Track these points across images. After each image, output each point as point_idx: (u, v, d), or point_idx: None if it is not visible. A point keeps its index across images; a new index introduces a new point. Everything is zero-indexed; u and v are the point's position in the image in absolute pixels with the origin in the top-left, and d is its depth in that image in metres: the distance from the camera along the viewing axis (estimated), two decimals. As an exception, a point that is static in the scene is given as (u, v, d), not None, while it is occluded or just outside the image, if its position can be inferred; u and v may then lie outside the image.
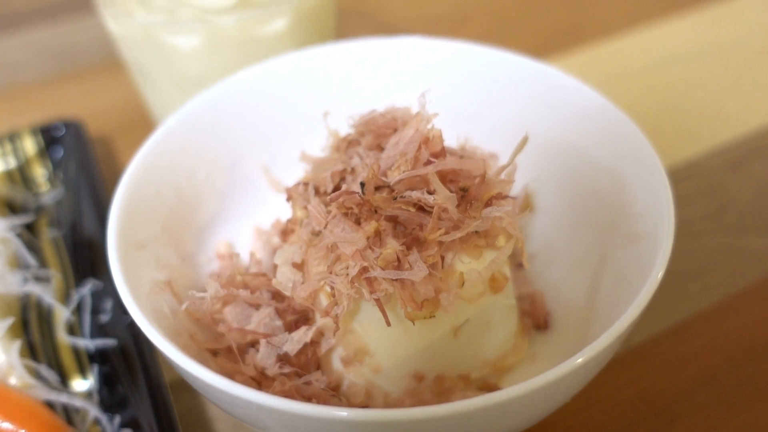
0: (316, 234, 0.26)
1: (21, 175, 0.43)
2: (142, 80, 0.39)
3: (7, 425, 0.27)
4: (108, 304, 0.34)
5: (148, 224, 0.28)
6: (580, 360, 0.22)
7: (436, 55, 0.34)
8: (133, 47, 0.37)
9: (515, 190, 0.32)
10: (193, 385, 0.24)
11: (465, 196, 0.25)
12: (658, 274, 0.24)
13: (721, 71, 0.50)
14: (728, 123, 0.46)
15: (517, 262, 0.32)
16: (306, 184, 0.27)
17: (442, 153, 0.25)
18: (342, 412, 0.20)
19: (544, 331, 0.30)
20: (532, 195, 0.33)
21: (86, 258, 0.36)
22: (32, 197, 0.42)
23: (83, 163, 0.42)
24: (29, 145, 0.44)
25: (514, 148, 0.26)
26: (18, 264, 0.35)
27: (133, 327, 0.31)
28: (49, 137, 0.44)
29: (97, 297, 0.34)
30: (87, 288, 0.34)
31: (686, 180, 0.42)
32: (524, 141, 0.26)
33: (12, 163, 0.43)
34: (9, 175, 0.43)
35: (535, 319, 0.30)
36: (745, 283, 0.36)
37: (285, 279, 0.25)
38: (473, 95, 0.33)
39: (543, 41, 0.53)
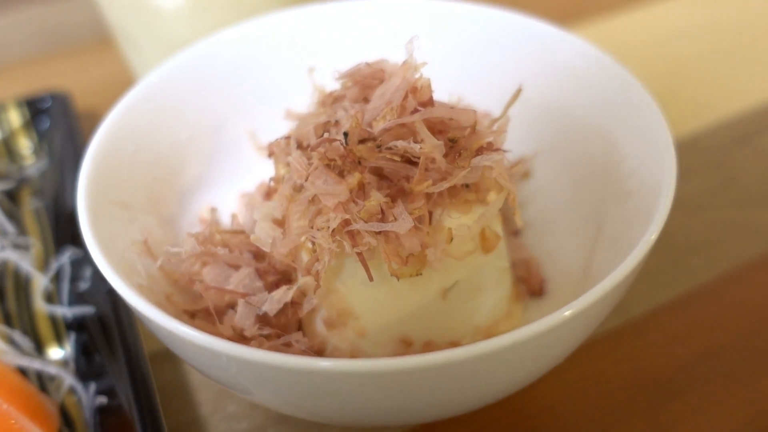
0: (298, 189, 0.24)
1: (5, 147, 0.42)
2: (128, 47, 0.38)
3: (-26, 390, 0.26)
4: (87, 273, 0.32)
5: (124, 183, 0.27)
6: (567, 313, 0.20)
7: (424, 14, 0.33)
8: (118, 11, 0.36)
9: (513, 154, 0.30)
10: (168, 344, 0.23)
11: (454, 147, 0.23)
12: (653, 232, 0.23)
13: (727, 47, 0.49)
14: (734, 97, 0.44)
15: (512, 229, 0.30)
16: (288, 138, 0.26)
17: (430, 102, 0.24)
18: (325, 363, 0.19)
19: (540, 297, 0.29)
20: (528, 160, 0.31)
21: (68, 228, 0.35)
22: (16, 169, 0.41)
23: (69, 135, 0.41)
24: (14, 117, 0.43)
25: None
26: (-5, 231, 0.34)
27: (112, 295, 0.30)
28: (35, 109, 0.43)
29: (77, 266, 0.33)
30: (66, 256, 0.33)
31: (691, 153, 0.41)
32: (518, 93, 0.25)
33: (-4, 134, 0.42)
34: (-7, 146, 0.42)
35: (530, 285, 0.29)
36: (750, 257, 0.35)
37: (264, 235, 0.24)
38: (465, 55, 0.32)
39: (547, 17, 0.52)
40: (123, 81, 0.47)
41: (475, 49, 0.32)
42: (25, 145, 0.42)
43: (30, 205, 0.38)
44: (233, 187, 0.32)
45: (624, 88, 0.28)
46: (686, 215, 0.37)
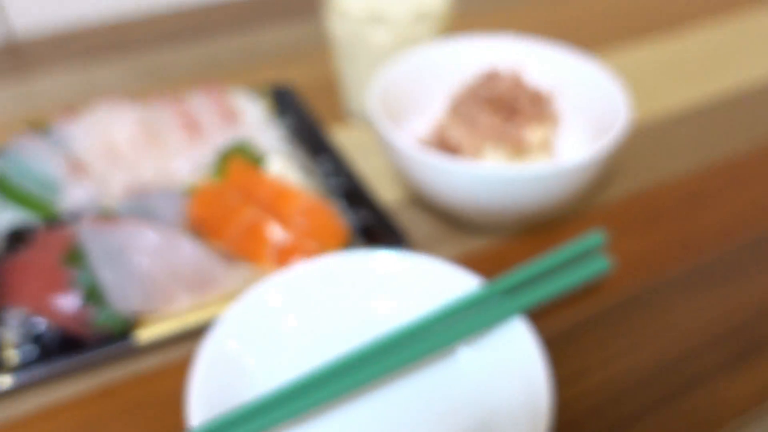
0: (469, 119, 0.57)
1: (264, 117, 0.75)
2: (347, 61, 0.71)
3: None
4: (337, 168, 0.65)
5: (392, 103, 0.60)
6: (564, 165, 0.53)
7: (522, 49, 0.66)
8: (346, 42, 0.70)
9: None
10: (412, 170, 0.55)
11: (534, 100, 0.56)
12: (616, 135, 0.55)
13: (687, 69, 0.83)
14: (688, 92, 0.78)
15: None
16: (464, 95, 0.59)
17: (522, 82, 0.57)
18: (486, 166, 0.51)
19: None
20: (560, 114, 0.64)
21: (315, 151, 0.68)
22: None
23: (299, 111, 0.74)
24: (268, 100, 0.75)
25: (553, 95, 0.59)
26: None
27: (355, 174, 0.63)
28: (279, 95, 0.76)
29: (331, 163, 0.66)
30: (324, 160, 0.66)
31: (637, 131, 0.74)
32: (554, 86, 0.58)
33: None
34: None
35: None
36: (662, 179, 0.67)
37: (456, 135, 0.57)
38: (540, 75, 0.66)
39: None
40: (327, 80, 0.80)
41: (543, 72, 0.65)
42: (274, 115, 0.75)
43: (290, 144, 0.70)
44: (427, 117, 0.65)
45: (614, 88, 0.61)
46: (652, 156, 0.70)
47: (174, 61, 0.89)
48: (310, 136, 0.69)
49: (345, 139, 0.72)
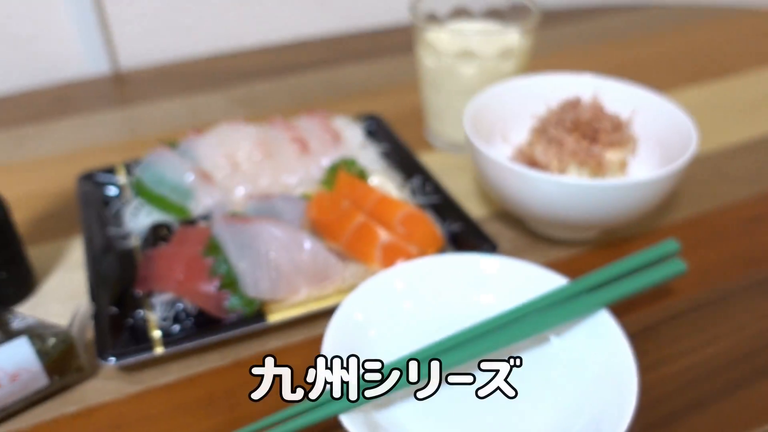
0: (556, 140, 0.65)
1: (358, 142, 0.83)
2: (435, 92, 0.80)
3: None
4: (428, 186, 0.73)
5: (481, 128, 0.68)
6: (654, 175, 0.60)
7: (597, 84, 0.74)
8: (437, 74, 0.78)
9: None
10: (507, 182, 0.63)
11: (614, 125, 0.64)
12: (688, 156, 0.62)
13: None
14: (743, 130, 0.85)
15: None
16: (548, 121, 0.67)
17: (602, 110, 0.65)
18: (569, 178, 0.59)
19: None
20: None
21: (408, 170, 0.76)
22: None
23: (386, 136, 0.82)
24: (360, 126, 0.84)
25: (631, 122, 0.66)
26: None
27: (446, 192, 0.70)
28: (369, 123, 0.85)
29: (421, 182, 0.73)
30: (415, 180, 0.74)
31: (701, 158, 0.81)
32: (631, 114, 0.66)
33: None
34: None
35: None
36: (722, 203, 0.74)
37: (544, 154, 0.65)
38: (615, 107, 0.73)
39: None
40: (410, 110, 0.89)
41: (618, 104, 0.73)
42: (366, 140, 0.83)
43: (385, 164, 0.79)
44: (509, 142, 0.73)
45: (683, 119, 0.68)
46: (713, 183, 0.77)
47: (269, 92, 0.99)
48: (401, 158, 0.77)
49: (431, 162, 0.80)
